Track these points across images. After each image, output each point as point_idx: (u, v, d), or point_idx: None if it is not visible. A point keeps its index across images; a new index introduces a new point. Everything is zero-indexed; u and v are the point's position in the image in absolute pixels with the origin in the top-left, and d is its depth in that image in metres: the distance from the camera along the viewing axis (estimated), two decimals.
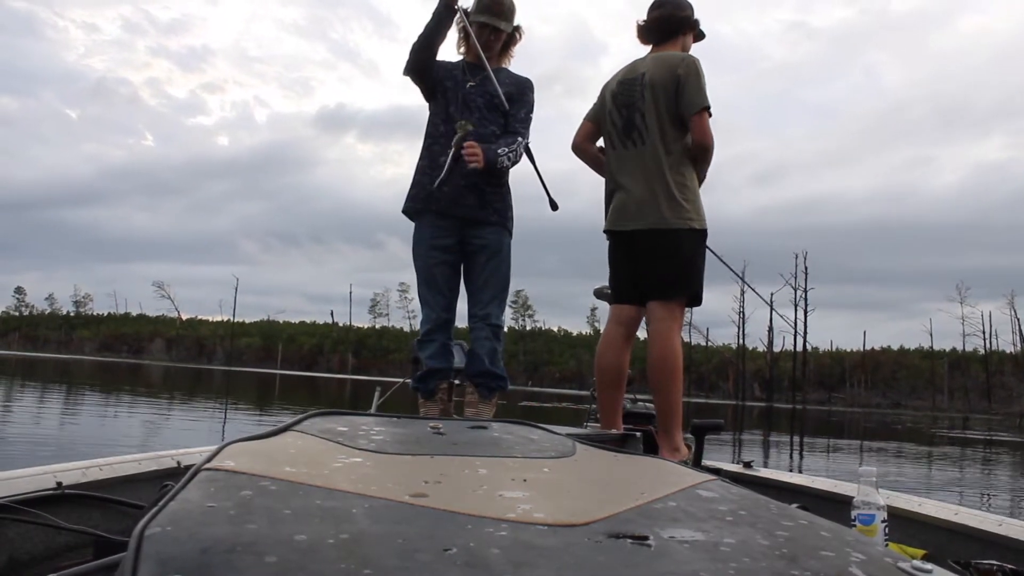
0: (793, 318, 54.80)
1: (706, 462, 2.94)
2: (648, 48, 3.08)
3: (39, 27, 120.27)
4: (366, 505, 0.75)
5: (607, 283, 3.15)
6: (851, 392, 57.83)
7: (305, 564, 0.57)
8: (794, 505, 1.04)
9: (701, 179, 2.96)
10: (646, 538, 0.70)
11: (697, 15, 3.09)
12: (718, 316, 61.58)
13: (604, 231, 3.07)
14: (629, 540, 0.69)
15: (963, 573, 1.54)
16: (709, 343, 62.72)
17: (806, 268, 55.19)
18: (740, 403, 49.79)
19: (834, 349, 63.84)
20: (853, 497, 1.68)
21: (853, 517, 1.65)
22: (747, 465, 3.05)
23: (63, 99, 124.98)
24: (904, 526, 1.93)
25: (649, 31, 3.06)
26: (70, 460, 1.80)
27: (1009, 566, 1.55)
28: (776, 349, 58.60)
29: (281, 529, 0.64)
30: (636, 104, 2.93)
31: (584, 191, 7.81)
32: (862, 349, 61.34)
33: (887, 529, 1.65)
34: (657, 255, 2.86)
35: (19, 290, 78.11)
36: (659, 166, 2.86)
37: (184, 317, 70.35)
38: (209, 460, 0.89)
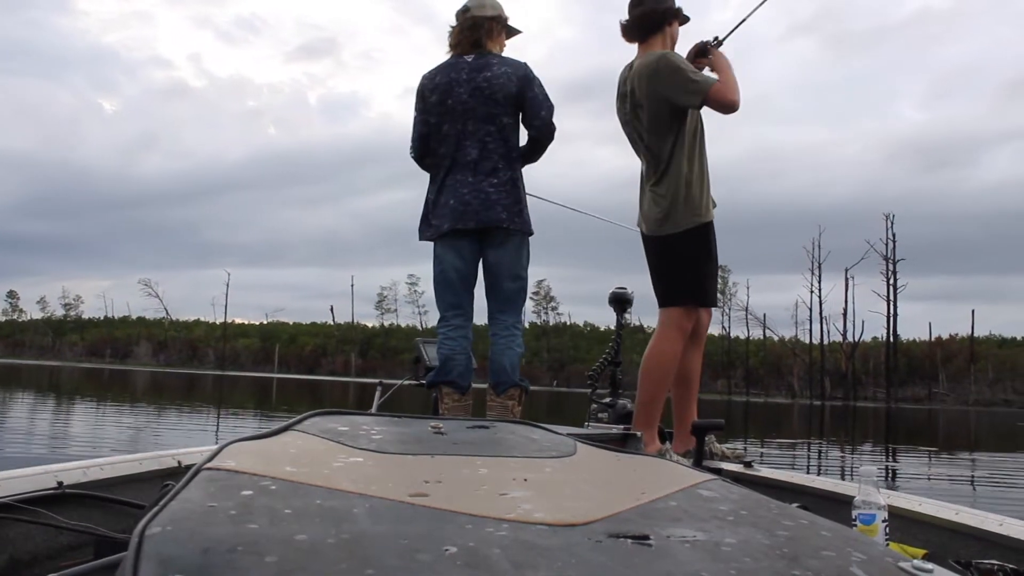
0: (887, 295, 43.02)
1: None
2: (635, 47, 3.09)
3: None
4: (367, 505, 0.75)
5: (618, 286, 3.44)
6: (958, 387, 44.53)
7: (306, 564, 0.57)
8: (795, 505, 1.04)
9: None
10: (647, 538, 0.70)
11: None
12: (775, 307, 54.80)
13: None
14: (630, 540, 0.69)
15: (964, 573, 1.54)
16: (768, 332, 51.54)
17: (893, 236, 43.19)
18: (815, 402, 40.29)
19: (932, 338, 49.10)
20: (854, 497, 1.68)
21: (854, 517, 1.64)
22: (748, 465, 3.05)
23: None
24: (905, 526, 1.92)
25: (632, 29, 3.06)
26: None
27: (1010, 566, 1.55)
28: (852, 338, 46.23)
29: (282, 529, 0.65)
30: (632, 122, 3.04)
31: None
32: (970, 335, 46.88)
33: (888, 529, 1.65)
34: (652, 264, 3.02)
35: (11, 294, 72.59)
36: (652, 175, 2.99)
37: (174, 317, 65.57)
38: (210, 460, 0.89)
